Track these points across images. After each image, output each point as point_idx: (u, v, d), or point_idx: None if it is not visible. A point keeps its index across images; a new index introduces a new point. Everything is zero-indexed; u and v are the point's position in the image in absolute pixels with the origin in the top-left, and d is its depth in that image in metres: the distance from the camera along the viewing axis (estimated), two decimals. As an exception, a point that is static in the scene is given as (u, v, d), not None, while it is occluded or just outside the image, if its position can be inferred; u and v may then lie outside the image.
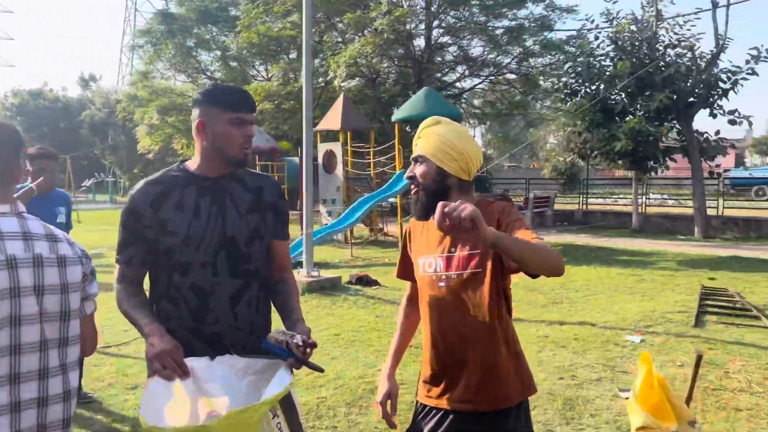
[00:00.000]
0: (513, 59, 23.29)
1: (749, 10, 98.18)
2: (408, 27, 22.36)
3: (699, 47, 14.86)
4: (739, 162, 42.56)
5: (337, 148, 15.38)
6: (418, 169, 1.95)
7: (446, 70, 25.80)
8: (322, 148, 15.71)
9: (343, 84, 20.52)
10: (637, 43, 15.18)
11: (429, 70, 24.22)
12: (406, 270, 2.13)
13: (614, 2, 15.99)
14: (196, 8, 26.06)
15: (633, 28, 15.29)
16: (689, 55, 14.83)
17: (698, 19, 16.66)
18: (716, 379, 4.78)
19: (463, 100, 26.10)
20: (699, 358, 3.44)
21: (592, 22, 16.35)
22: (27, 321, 1.51)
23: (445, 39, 24.20)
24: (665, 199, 24.25)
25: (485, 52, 24.14)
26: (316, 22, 23.54)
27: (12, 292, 1.48)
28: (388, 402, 2.08)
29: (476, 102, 27.86)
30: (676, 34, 15.13)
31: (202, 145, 1.88)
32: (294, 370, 1.68)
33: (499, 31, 22.31)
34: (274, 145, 19.88)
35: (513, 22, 22.29)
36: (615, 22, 15.74)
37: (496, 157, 32.62)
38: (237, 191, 1.92)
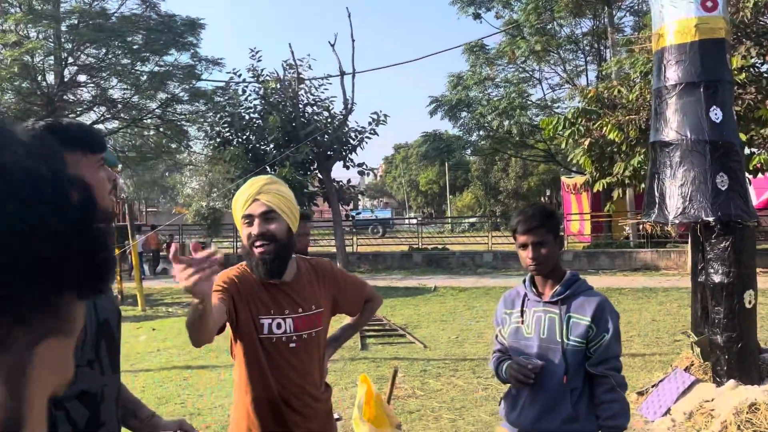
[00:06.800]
0: (160, 105, 22.96)
1: (373, 78, 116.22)
2: (36, 60, 20.12)
3: (333, 108, 17.21)
4: (355, 205, 50.25)
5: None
6: (272, 225, 1.84)
7: (82, 110, 23.89)
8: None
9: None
10: (282, 100, 16.74)
11: (62, 108, 22.09)
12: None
13: (259, 60, 17.33)
14: None
15: (277, 86, 16.82)
16: (326, 114, 17.06)
17: (330, 84, 19.21)
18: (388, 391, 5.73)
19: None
20: (395, 371, 4.21)
21: (239, 76, 17.42)
22: None
23: (82, 78, 22.50)
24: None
25: (127, 95, 23.22)
26: None
27: None
28: None
29: (118, 146, 26.42)
30: (312, 95, 17.23)
31: None
32: None
33: (143, 77, 21.80)
34: None
35: (159, 68, 22.06)
36: (261, 79, 17.06)
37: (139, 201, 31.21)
38: None
